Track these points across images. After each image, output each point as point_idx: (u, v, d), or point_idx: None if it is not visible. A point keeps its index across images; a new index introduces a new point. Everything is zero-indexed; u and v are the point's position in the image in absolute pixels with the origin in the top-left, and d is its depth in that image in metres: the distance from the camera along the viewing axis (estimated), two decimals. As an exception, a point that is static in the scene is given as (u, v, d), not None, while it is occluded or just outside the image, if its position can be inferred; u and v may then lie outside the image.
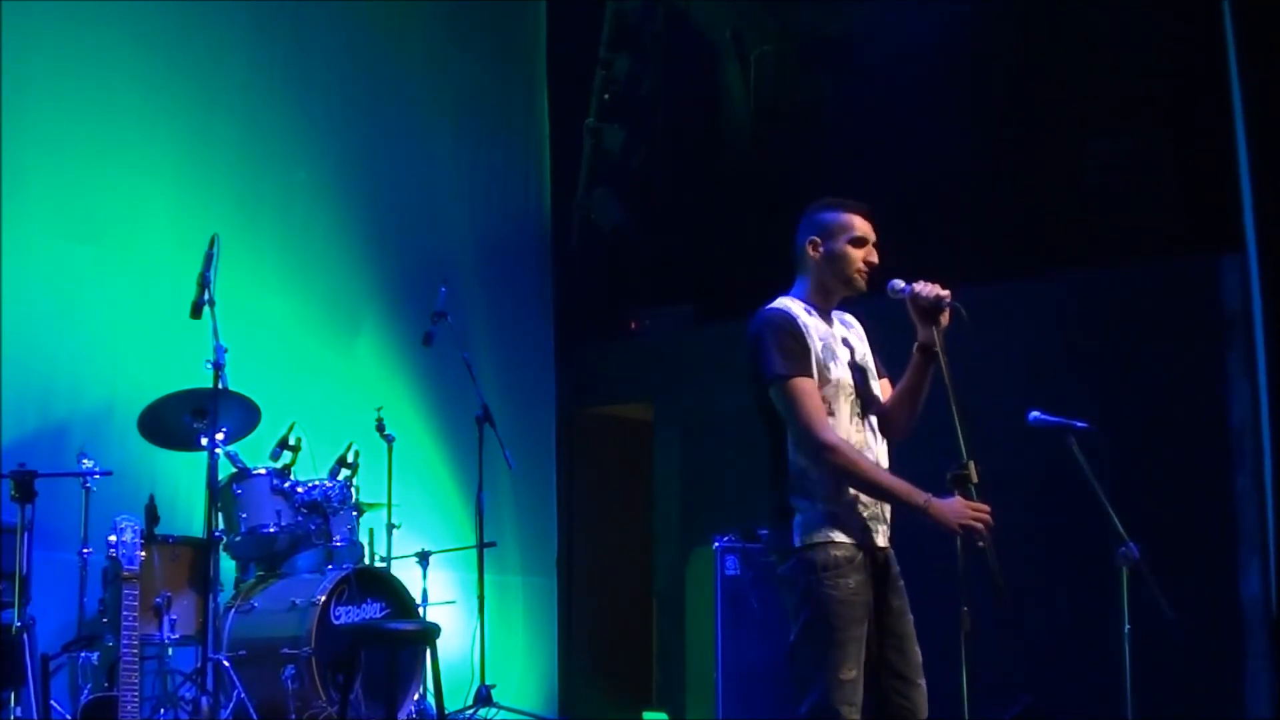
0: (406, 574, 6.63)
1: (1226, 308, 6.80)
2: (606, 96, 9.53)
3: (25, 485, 5.25)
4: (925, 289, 3.63)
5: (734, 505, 7.97)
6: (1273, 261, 6.42)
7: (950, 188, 7.83)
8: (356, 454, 6.54)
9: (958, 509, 3.47)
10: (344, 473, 6.45)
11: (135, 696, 4.85)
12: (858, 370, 3.74)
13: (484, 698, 6.77)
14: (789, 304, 3.76)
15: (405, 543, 6.92)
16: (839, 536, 3.60)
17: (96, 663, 5.68)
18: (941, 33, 7.97)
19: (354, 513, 6.44)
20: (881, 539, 3.68)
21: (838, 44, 8.82)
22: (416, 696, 6.18)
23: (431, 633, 5.64)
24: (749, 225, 8.80)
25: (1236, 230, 6.57)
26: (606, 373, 9.29)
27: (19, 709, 5.15)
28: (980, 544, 3.44)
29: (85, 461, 5.73)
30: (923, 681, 3.67)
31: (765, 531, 7.07)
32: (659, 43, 9.57)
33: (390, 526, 6.83)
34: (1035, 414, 5.30)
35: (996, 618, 3.54)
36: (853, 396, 3.70)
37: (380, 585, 6.15)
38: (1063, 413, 5.30)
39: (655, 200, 9.42)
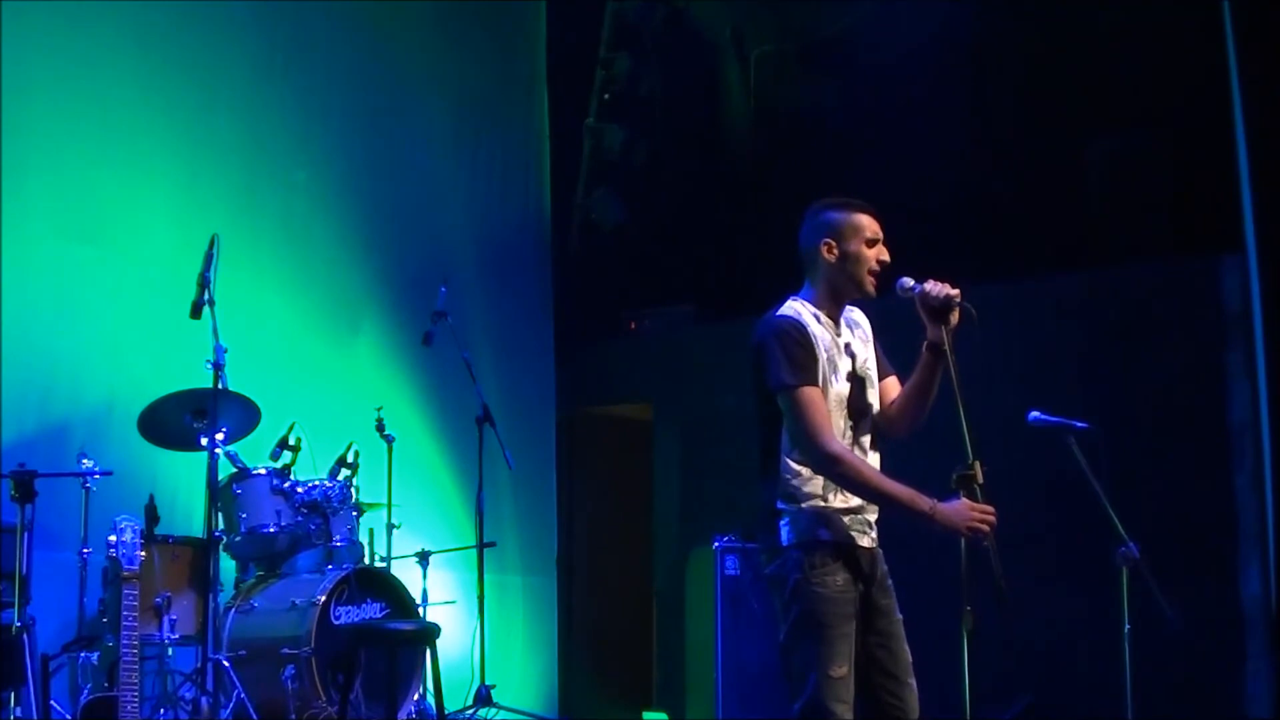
0: (406, 574, 6.62)
1: (1226, 308, 6.80)
2: (606, 96, 9.53)
3: (25, 485, 5.25)
4: (935, 288, 3.63)
5: (734, 505, 7.96)
6: (1273, 261, 6.43)
7: (950, 188, 7.83)
8: (356, 454, 6.54)
9: (963, 512, 3.48)
10: (344, 473, 6.44)
11: (135, 696, 4.85)
12: (856, 382, 3.74)
13: (484, 698, 6.77)
14: (799, 309, 3.74)
15: (405, 543, 6.92)
16: (825, 535, 3.61)
17: (96, 663, 5.68)
18: (941, 33, 7.98)
19: (354, 513, 6.44)
20: (866, 540, 3.68)
21: (838, 44, 8.82)
22: (416, 696, 6.18)
23: (431, 633, 5.63)
24: (749, 225, 8.81)
25: (1236, 230, 6.58)
26: (606, 373, 9.29)
27: (19, 709, 5.15)
28: (985, 544, 3.45)
29: (85, 461, 5.72)
30: (913, 681, 3.67)
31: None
32: (659, 43, 9.57)
33: (390, 526, 6.83)
34: (1035, 414, 5.31)
35: (998, 618, 3.54)
36: (845, 411, 3.70)
37: (380, 585, 6.15)
38: (1063, 413, 5.30)
39: (655, 200, 9.42)
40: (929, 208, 7.68)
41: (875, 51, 8.33)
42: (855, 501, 3.65)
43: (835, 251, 3.74)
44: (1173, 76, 7.19)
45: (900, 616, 3.71)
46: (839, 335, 3.76)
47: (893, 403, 3.80)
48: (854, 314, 3.87)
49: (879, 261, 3.74)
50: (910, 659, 3.68)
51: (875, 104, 8.16)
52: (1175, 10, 7.11)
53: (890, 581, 3.73)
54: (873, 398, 3.79)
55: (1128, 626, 5.13)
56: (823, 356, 3.66)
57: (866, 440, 3.75)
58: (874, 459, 3.77)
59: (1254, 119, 6.44)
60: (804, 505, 3.63)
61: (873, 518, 3.71)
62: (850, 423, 3.71)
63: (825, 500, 3.63)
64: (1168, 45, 7.19)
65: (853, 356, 3.76)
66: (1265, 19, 6.41)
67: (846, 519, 3.64)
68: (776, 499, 3.67)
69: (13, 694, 5.12)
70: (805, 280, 3.81)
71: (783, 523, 3.64)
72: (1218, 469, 6.69)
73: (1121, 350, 7.03)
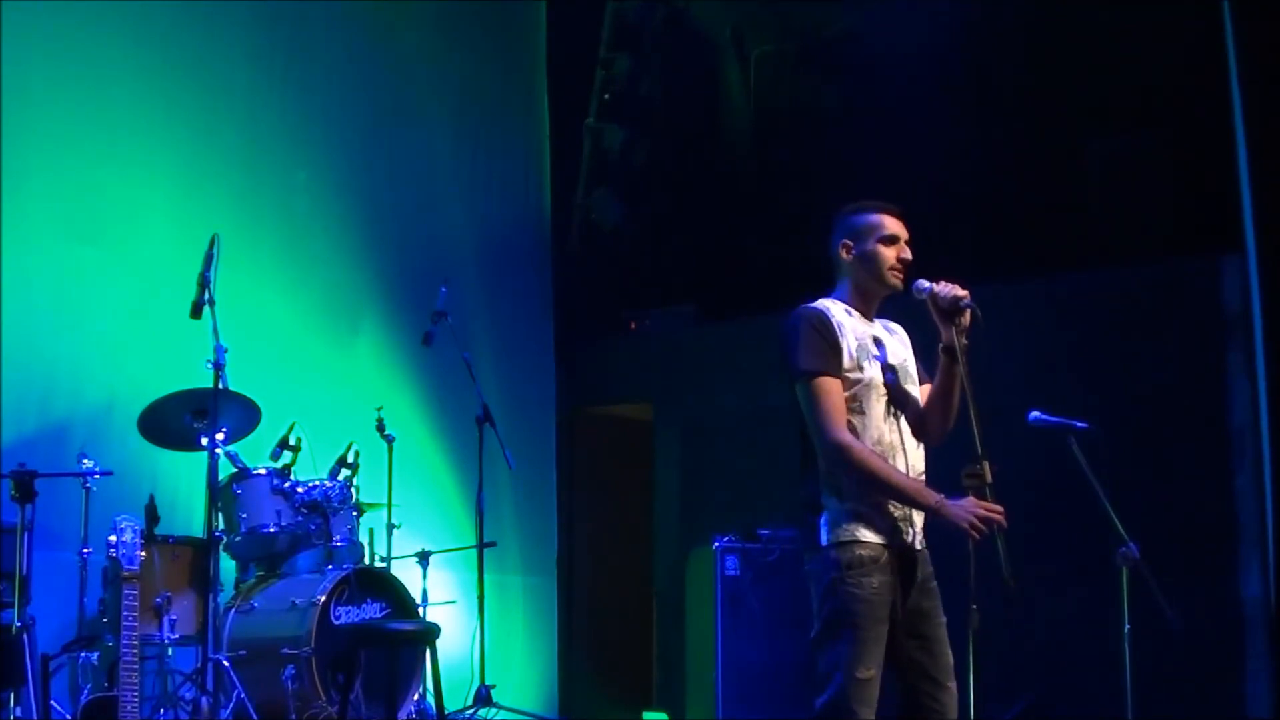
0: (406, 574, 6.62)
1: (1226, 308, 6.80)
2: (606, 96, 9.53)
3: (25, 485, 5.25)
4: (944, 289, 3.66)
5: (734, 505, 7.97)
6: (1273, 261, 6.43)
7: (951, 188, 7.83)
8: (356, 454, 6.53)
9: (969, 509, 3.49)
10: (344, 473, 6.44)
11: (135, 696, 4.84)
12: (891, 370, 3.75)
13: (484, 698, 6.77)
14: (827, 303, 3.78)
15: (405, 543, 6.92)
16: (866, 535, 3.60)
17: (96, 663, 5.68)
18: (942, 33, 7.97)
19: (354, 513, 6.44)
20: (910, 539, 3.67)
21: (838, 44, 8.82)
22: (416, 696, 6.18)
23: (431, 633, 5.64)
24: (749, 225, 8.81)
25: (1236, 230, 6.58)
26: (606, 373, 9.29)
27: (19, 709, 5.15)
28: (977, 536, 3.45)
29: (85, 461, 5.72)
30: (953, 684, 3.66)
31: (767, 531, 7.12)
32: (659, 43, 9.57)
33: (390, 526, 6.83)
34: (1035, 414, 5.31)
35: (1000, 617, 3.54)
36: (885, 396, 3.70)
37: (380, 585, 6.15)
38: (1063, 413, 5.30)
39: (655, 200, 9.42)
40: (929, 207, 7.65)
41: (875, 51, 8.33)
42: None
43: (852, 252, 3.79)
44: (1173, 76, 7.19)
45: (944, 619, 3.70)
46: (873, 331, 3.78)
47: (922, 409, 3.81)
48: (891, 324, 3.91)
49: (900, 260, 3.76)
50: (951, 662, 3.68)
51: (875, 104, 8.16)
52: (1175, 10, 7.11)
53: (935, 584, 3.72)
54: (913, 390, 3.80)
55: (1128, 626, 5.12)
56: (853, 344, 3.68)
57: (908, 429, 3.75)
58: (919, 451, 3.77)
59: (1254, 119, 6.44)
60: (847, 503, 3.62)
61: (918, 516, 3.68)
62: (892, 409, 3.71)
63: (870, 497, 3.62)
64: (1168, 45, 7.19)
65: (886, 350, 3.77)
66: (1265, 19, 6.40)
67: (891, 519, 3.63)
68: (819, 493, 3.66)
69: (13, 694, 5.12)
70: (836, 283, 3.86)
71: (824, 519, 3.64)
72: (1218, 469, 6.69)
73: (1121, 350, 7.03)
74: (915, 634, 3.65)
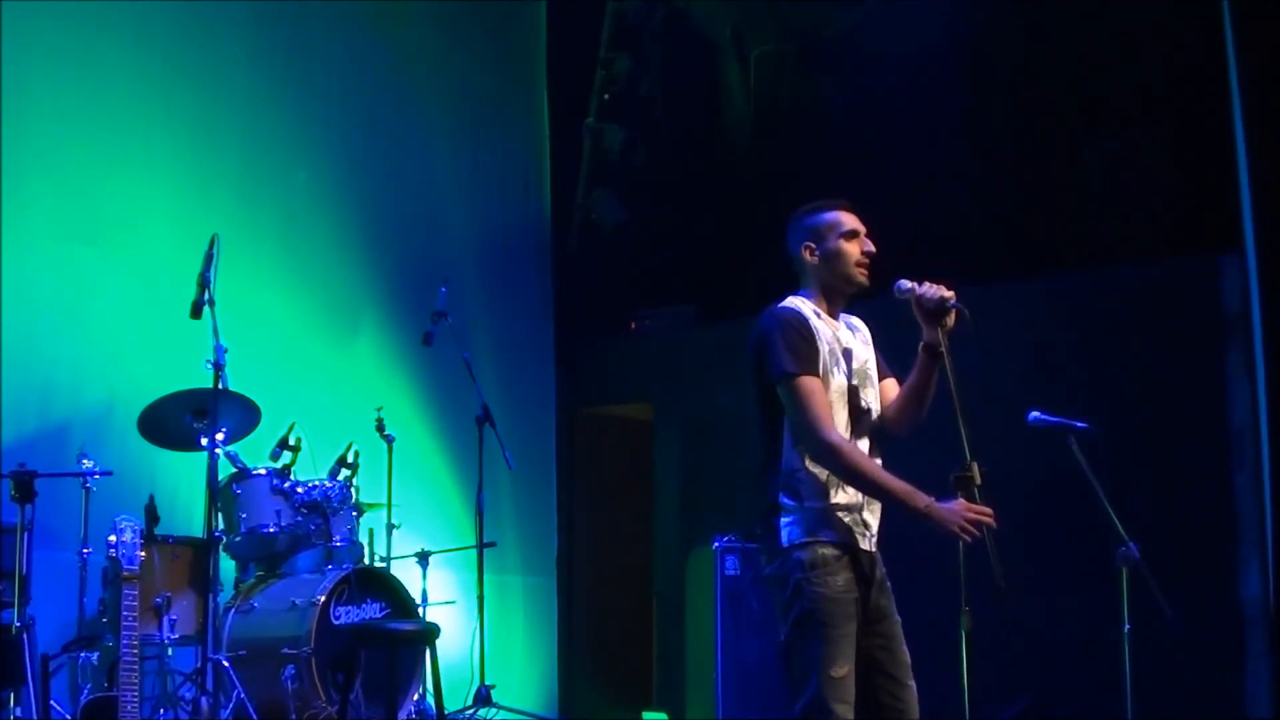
0: (406, 574, 6.63)
1: (1226, 308, 6.79)
2: (606, 96, 9.53)
3: (25, 485, 5.25)
4: (930, 290, 3.64)
5: (734, 505, 7.96)
6: (1273, 261, 6.42)
7: (950, 187, 7.83)
8: (356, 454, 6.54)
9: (958, 511, 3.48)
10: (344, 473, 6.45)
11: (135, 696, 4.85)
12: (855, 380, 3.75)
13: (484, 698, 6.77)
14: (800, 304, 3.76)
15: (405, 543, 6.93)
16: (826, 536, 3.61)
17: (96, 663, 5.68)
18: (942, 32, 7.98)
19: (354, 513, 6.45)
20: (866, 543, 3.68)
21: (838, 44, 8.82)
22: (416, 696, 6.18)
23: (431, 633, 5.64)
24: (749, 225, 8.80)
25: (1236, 230, 6.57)
26: (606, 373, 9.28)
27: (19, 709, 5.15)
28: (968, 540, 3.45)
29: (85, 461, 5.72)
30: (912, 682, 3.67)
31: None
32: (659, 43, 9.57)
33: (390, 526, 6.83)
34: (1035, 414, 5.31)
35: (998, 617, 3.54)
36: (848, 406, 3.70)
37: (380, 585, 6.16)
38: (1063, 413, 5.30)
39: (655, 200, 9.42)
40: (929, 207, 7.68)
41: (875, 52, 8.33)
42: (856, 501, 3.65)
43: (816, 253, 3.78)
44: (1173, 76, 7.19)
45: (899, 618, 3.71)
46: (838, 334, 3.78)
47: (891, 404, 3.81)
48: (853, 319, 3.90)
49: (865, 253, 3.75)
50: (909, 660, 3.69)
51: (875, 104, 8.16)
52: (1175, 10, 7.11)
53: (889, 583, 3.73)
54: (872, 398, 3.79)
55: (1128, 626, 5.12)
56: (824, 349, 3.68)
57: (866, 443, 3.75)
58: (876, 461, 3.76)
59: (1254, 119, 6.43)
60: (806, 505, 3.63)
61: (873, 520, 3.71)
62: (851, 420, 3.71)
63: (828, 500, 3.62)
64: (1168, 45, 7.18)
65: (851, 358, 3.77)
66: (1265, 19, 6.40)
67: (847, 520, 3.64)
68: (778, 497, 3.66)
69: (13, 694, 5.13)
70: (799, 286, 3.84)
71: (785, 522, 3.64)
72: (1218, 469, 6.68)
73: (1121, 350, 7.02)
74: (876, 632, 3.65)
